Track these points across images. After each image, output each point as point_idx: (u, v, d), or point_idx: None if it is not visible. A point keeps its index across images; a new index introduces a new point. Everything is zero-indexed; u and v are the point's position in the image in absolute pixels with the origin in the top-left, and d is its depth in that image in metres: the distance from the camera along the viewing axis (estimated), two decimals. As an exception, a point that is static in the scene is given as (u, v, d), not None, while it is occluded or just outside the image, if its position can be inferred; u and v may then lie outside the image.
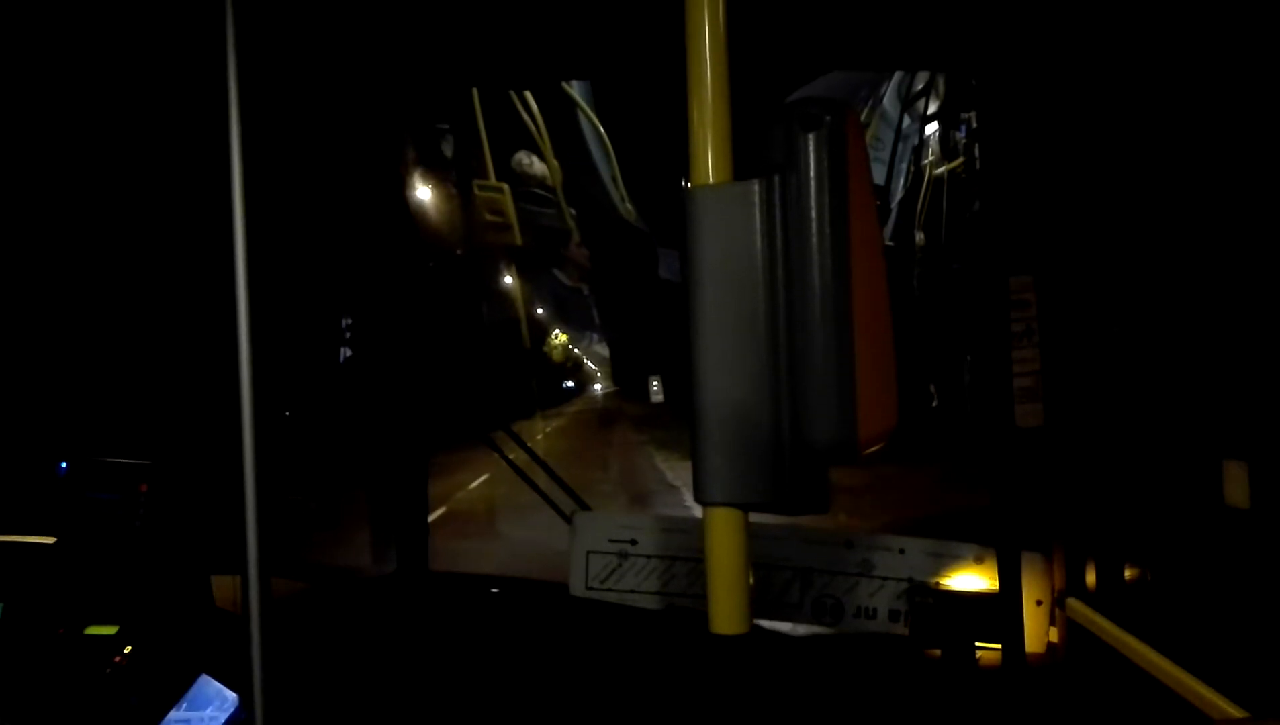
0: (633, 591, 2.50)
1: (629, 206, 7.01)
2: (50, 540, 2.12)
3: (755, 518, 0.93)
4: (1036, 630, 2.22)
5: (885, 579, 2.34)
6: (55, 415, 3.09)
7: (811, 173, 0.85)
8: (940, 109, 5.29)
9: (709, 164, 0.90)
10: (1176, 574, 1.99)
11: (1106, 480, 2.11)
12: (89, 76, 2.60)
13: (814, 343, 0.85)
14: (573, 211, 6.57)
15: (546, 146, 5.70)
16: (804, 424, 0.86)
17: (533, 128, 5.51)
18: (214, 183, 1.09)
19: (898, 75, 5.75)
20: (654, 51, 2.09)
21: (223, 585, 2.21)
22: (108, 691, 1.87)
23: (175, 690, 1.85)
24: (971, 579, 2.30)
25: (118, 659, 1.91)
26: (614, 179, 6.69)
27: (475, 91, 4.86)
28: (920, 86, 5.54)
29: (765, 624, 2.44)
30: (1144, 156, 1.97)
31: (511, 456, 3.14)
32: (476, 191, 5.30)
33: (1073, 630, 2.14)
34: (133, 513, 2.21)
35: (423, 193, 4.86)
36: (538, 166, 6.00)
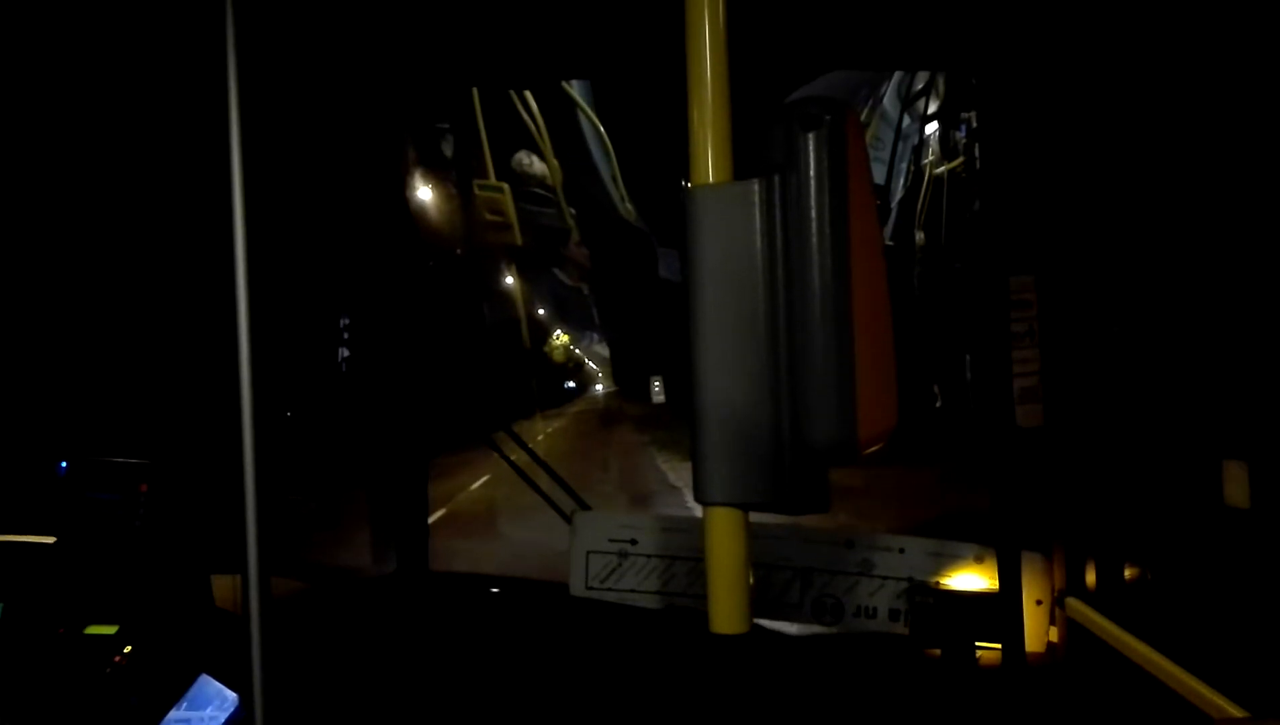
0: (633, 591, 2.50)
1: (629, 206, 7.01)
2: (50, 540, 2.12)
3: (755, 517, 0.93)
4: (1036, 630, 2.22)
5: (885, 578, 2.34)
6: (55, 415, 3.09)
7: (811, 172, 0.85)
8: (940, 108, 5.28)
9: (709, 164, 0.90)
10: (1176, 574, 1.99)
11: (1106, 480, 2.11)
12: (89, 76, 2.60)
13: (814, 342, 0.85)
14: (573, 211, 6.56)
15: (546, 146, 5.70)
16: (804, 424, 0.86)
17: (533, 127, 5.51)
18: (214, 183, 1.09)
19: (898, 75, 5.75)
20: (654, 51, 2.09)
21: (223, 585, 2.21)
22: (108, 691, 1.87)
23: (175, 690, 1.85)
24: (971, 578, 2.30)
25: (118, 659, 1.91)
26: (614, 179, 6.69)
27: (475, 91, 4.86)
28: (920, 86, 5.54)
29: (765, 623, 2.44)
30: (1144, 156, 1.97)
31: (513, 457, 3.15)
32: (476, 191, 5.30)
33: (1073, 630, 2.14)
34: (133, 512, 2.21)
35: (423, 192, 4.86)
36: (538, 166, 5.99)
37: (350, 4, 2.24)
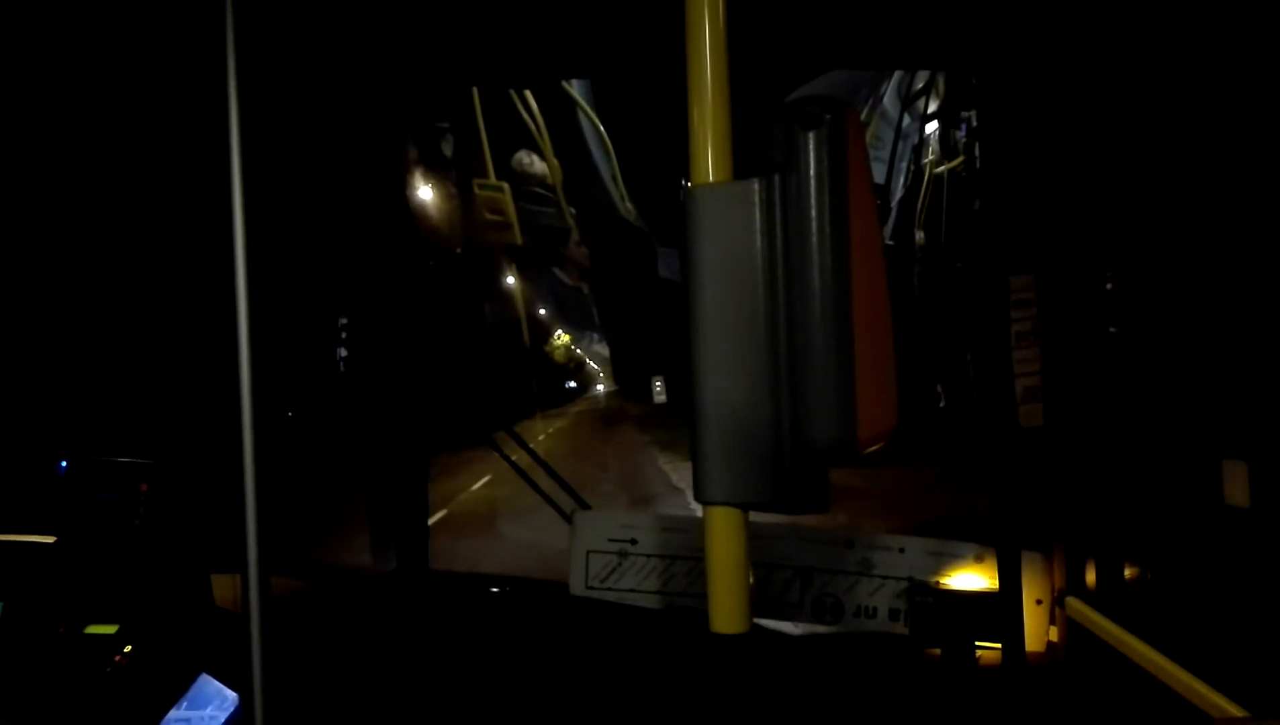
0: (633, 590, 2.50)
1: (629, 205, 7.02)
2: (50, 539, 2.12)
3: (755, 517, 0.93)
4: (1036, 629, 2.22)
5: (885, 578, 2.34)
6: (55, 414, 3.09)
7: (811, 172, 0.85)
8: (940, 108, 5.29)
9: (709, 163, 0.90)
10: (1176, 573, 1.99)
11: (1106, 480, 2.11)
12: (89, 76, 2.60)
13: (814, 342, 0.85)
14: (573, 210, 6.57)
15: (546, 145, 5.70)
16: (804, 423, 0.86)
17: (533, 127, 5.51)
18: (214, 182, 1.09)
19: (898, 74, 5.76)
20: (654, 50, 2.09)
21: (223, 584, 2.21)
22: (108, 691, 1.87)
23: (175, 689, 1.85)
24: (971, 578, 2.30)
25: (118, 658, 1.91)
26: (614, 178, 6.70)
27: (475, 90, 4.86)
28: (920, 85, 5.54)
29: (765, 623, 2.44)
30: (1144, 155, 1.97)
31: (513, 457, 3.15)
32: (476, 190, 5.30)
33: (1073, 629, 2.14)
34: (133, 512, 2.21)
35: (423, 192, 4.86)
36: (538, 165, 6.00)
37: (350, 4, 2.24)
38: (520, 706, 2.17)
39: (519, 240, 5.69)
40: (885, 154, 5.90)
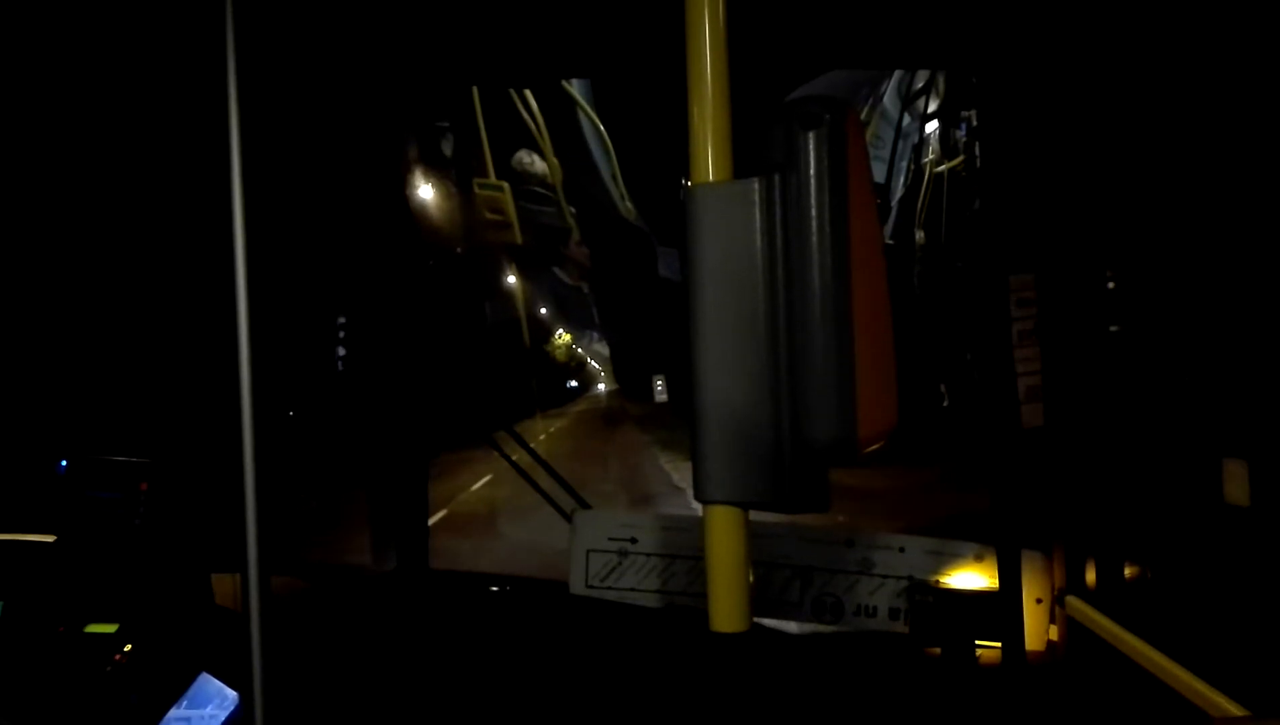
0: (633, 590, 2.50)
1: (629, 205, 7.01)
2: (50, 539, 2.12)
3: (755, 516, 0.93)
4: (1036, 628, 2.22)
5: (885, 577, 2.34)
6: (55, 413, 3.09)
7: (812, 171, 0.85)
8: (940, 107, 5.29)
9: (709, 162, 0.90)
10: (1176, 572, 2.00)
11: (1106, 478, 2.11)
12: (89, 76, 2.60)
13: (814, 341, 0.85)
14: (573, 210, 6.57)
15: (546, 145, 5.70)
16: (804, 422, 0.86)
17: (533, 126, 5.51)
18: (213, 182, 1.09)
19: (898, 74, 5.75)
20: (654, 50, 2.09)
21: (223, 583, 2.22)
22: (108, 690, 1.87)
23: (175, 688, 1.85)
24: (971, 577, 2.30)
25: (118, 657, 1.91)
26: (614, 177, 6.69)
27: (475, 90, 4.86)
28: (921, 85, 5.54)
29: (765, 622, 2.44)
30: (1144, 155, 1.97)
31: (514, 457, 3.15)
32: (477, 190, 5.30)
33: (1073, 628, 2.14)
34: (133, 511, 2.21)
35: (423, 191, 4.86)
36: (538, 165, 6.00)
37: (350, 4, 2.24)
38: (520, 705, 2.17)
39: (519, 240, 5.70)
40: (885, 153, 5.90)
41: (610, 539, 2.54)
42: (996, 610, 2.18)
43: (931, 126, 5.81)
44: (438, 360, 3.35)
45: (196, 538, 2.28)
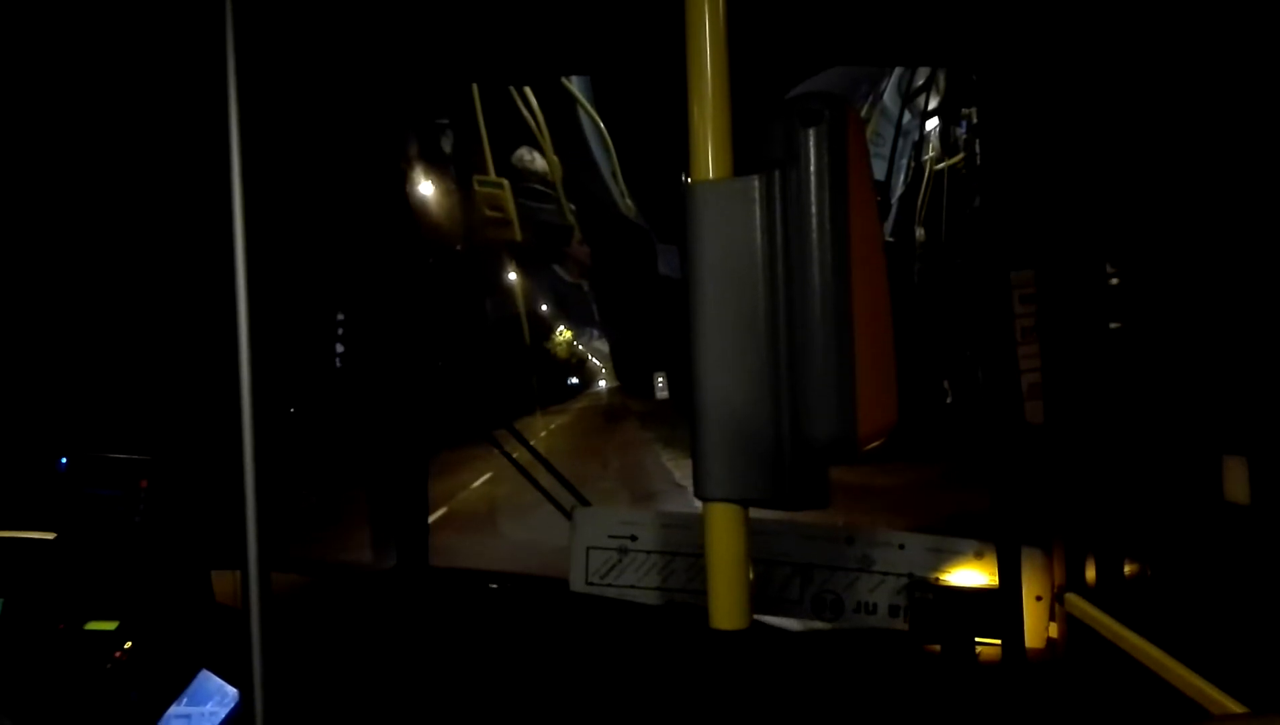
0: (632, 587, 2.50)
1: (629, 202, 7.01)
2: (50, 536, 2.13)
3: (755, 513, 0.93)
4: (1036, 625, 2.22)
5: (885, 574, 2.34)
6: (55, 410, 3.09)
7: (812, 168, 0.85)
8: (941, 104, 5.28)
9: (709, 159, 0.90)
10: (1176, 569, 2.00)
11: (1106, 475, 2.11)
12: (89, 76, 2.59)
13: (814, 339, 0.85)
14: (573, 207, 6.56)
15: (546, 142, 5.69)
16: (804, 420, 0.86)
17: (533, 123, 5.50)
18: (213, 180, 1.09)
19: (898, 71, 5.75)
20: (654, 47, 2.09)
21: (223, 580, 2.22)
22: (108, 687, 1.87)
23: (176, 685, 1.85)
24: (971, 574, 2.30)
25: (118, 654, 1.91)
26: (614, 175, 6.69)
27: (475, 87, 4.86)
28: (921, 82, 5.53)
29: (765, 619, 2.44)
30: (1144, 152, 1.97)
31: (515, 455, 3.15)
32: (476, 187, 5.30)
33: (1072, 625, 2.14)
34: (133, 508, 2.21)
35: (423, 188, 4.86)
36: (538, 162, 5.99)
37: (350, 2, 2.24)
38: (520, 702, 2.17)
39: (519, 237, 5.69)
40: (885, 150, 5.89)
41: (610, 536, 2.54)
42: (996, 607, 2.18)
43: (932, 124, 5.80)
44: (438, 358, 3.35)
45: (196, 535, 2.28)
